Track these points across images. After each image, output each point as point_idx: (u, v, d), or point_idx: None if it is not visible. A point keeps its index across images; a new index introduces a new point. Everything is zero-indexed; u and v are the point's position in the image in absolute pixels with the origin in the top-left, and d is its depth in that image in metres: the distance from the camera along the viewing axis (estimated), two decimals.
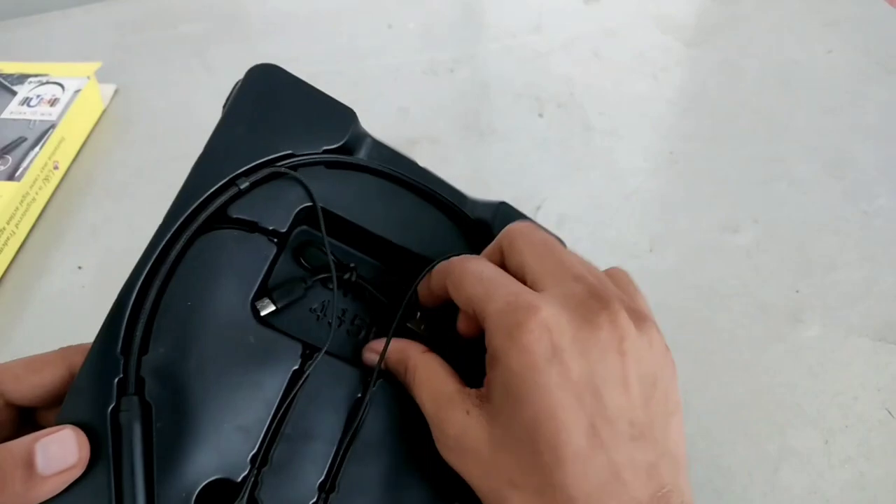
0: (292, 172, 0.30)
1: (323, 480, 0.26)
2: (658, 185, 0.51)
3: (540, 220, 0.47)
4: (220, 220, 0.28)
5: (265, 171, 0.29)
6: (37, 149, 0.50)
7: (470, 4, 0.70)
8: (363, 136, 0.32)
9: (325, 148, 0.31)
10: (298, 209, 0.29)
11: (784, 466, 0.36)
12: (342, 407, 0.27)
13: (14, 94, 0.55)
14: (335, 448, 0.27)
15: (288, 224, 0.29)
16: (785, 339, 0.41)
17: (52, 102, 0.54)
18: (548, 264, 0.25)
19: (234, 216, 0.28)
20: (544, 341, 0.22)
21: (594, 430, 0.21)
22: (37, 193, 0.50)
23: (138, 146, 0.56)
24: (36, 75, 0.57)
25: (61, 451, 0.23)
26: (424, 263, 0.30)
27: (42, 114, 0.53)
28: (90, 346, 0.26)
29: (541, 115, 0.57)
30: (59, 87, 0.55)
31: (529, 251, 0.26)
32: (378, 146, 0.33)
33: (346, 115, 0.31)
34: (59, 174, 0.52)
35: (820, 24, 0.63)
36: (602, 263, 0.46)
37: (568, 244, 0.48)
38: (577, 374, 0.22)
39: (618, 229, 0.48)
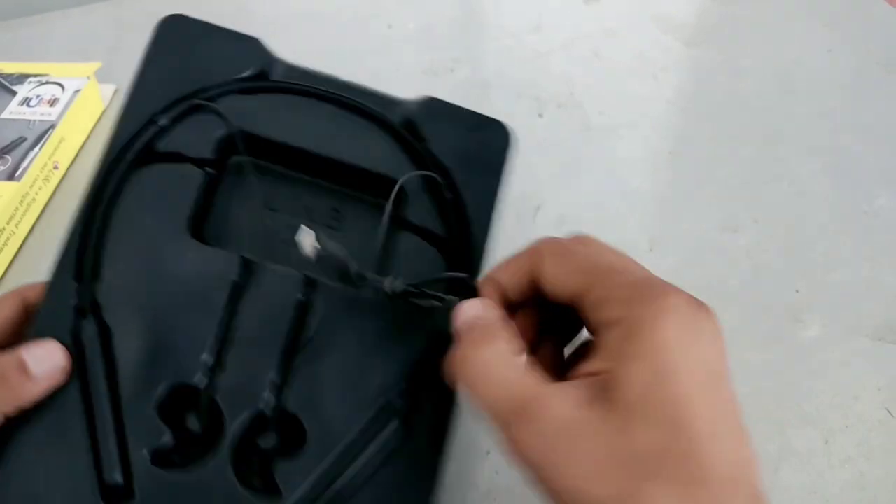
0: (207, 103, 0.32)
1: (274, 378, 0.28)
2: (658, 185, 0.51)
3: (540, 220, 0.47)
4: (150, 156, 0.31)
5: (182, 106, 0.32)
6: (36, 149, 0.50)
7: (470, 4, 0.70)
8: (275, 61, 0.34)
9: (238, 77, 0.33)
10: (220, 135, 0.31)
11: (784, 466, 0.36)
12: (289, 310, 0.29)
13: (14, 94, 0.55)
14: (284, 348, 0.29)
15: (212, 150, 0.31)
16: (785, 339, 0.41)
17: (52, 102, 0.54)
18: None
19: (160, 150, 0.31)
20: (690, 320, 0.20)
21: (731, 416, 0.20)
22: (37, 193, 0.50)
23: None
24: (36, 75, 0.57)
25: (47, 354, 0.26)
26: (359, 174, 0.32)
27: (42, 114, 0.53)
28: (42, 282, 0.30)
29: (541, 115, 0.57)
30: (58, 88, 0.55)
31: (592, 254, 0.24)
32: (292, 68, 0.34)
33: (253, 45, 0.34)
34: (58, 174, 0.52)
35: (820, 23, 0.63)
36: None
37: None
38: (712, 358, 0.21)
39: (618, 229, 0.48)
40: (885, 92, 0.57)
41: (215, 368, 0.28)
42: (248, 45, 0.34)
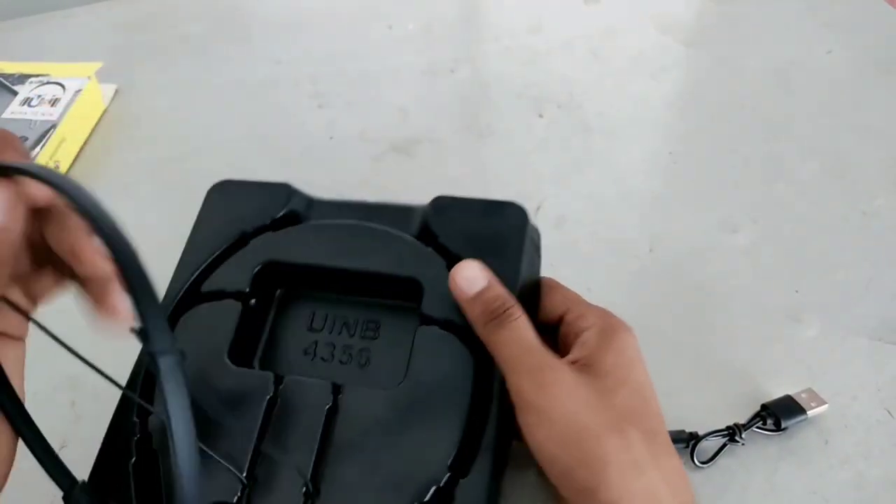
0: (239, 245, 0.36)
1: (308, 488, 0.29)
2: (657, 185, 0.51)
3: (540, 220, 0.47)
4: (196, 297, 0.35)
5: (221, 251, 0.36)
6: (38, 149, 0.51)
7: (470, 5, 0.70)
8: (304, 198, 0.38)
9: (272, 218, 0.37)
10: (255, 268, 0.35)
11: (783, 466, 0.36)
12: (317, 419, 0.31)
13: (15, 94, 0.55)
14: (316, 455, 0.30)
15: (248, 284, 0.35)
16: (784, 339, 0.41)
17: (53, 102, 0.54)
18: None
19: (204, 291, 0.35)
20: (631, 333, 0.31)
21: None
22: None
23: (139, 146, 0.56)
24: (37, 75, 0.57)
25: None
26: (385, 282, 0.34)
27: (43, 114, 0.53)
28: (40, 166, 0.23)
29: (540, 116, 0.57)
30: (59, 88, 0.56)
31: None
32: (320, 202, 0.38)
33: (283, 190, 0.38)
34: None
35: (819, 24, 0.63)
36: (602, 264, 0.46)
37: (568, 244, 0.49)
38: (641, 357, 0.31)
39: (617, 229, 0.48)
40: (884, 92, 0.57)
41: (252, 486, 0.29)
42: (278, 191, 0.38)
